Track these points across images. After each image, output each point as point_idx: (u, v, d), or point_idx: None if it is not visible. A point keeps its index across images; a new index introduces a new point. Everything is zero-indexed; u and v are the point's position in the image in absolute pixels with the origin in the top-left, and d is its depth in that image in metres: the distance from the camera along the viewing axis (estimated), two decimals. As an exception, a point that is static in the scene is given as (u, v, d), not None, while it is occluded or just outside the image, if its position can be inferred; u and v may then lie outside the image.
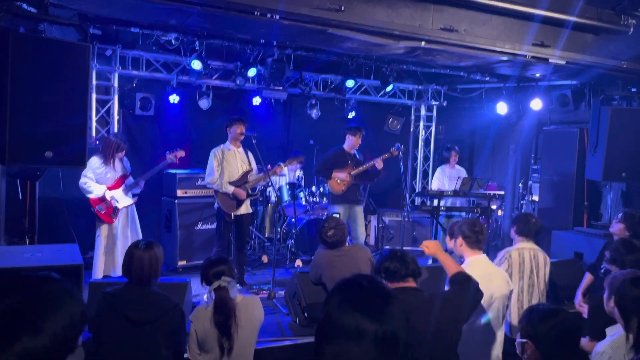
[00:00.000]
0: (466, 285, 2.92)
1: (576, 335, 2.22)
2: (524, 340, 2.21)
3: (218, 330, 3.04)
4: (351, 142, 6.73)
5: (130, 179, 5.77)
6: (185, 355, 3.20)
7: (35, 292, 1.16)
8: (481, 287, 3.06)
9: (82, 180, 5.45)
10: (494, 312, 3.42)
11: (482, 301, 3.24)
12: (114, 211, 5.59)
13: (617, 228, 4.61)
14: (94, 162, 5.50)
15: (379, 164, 6.63)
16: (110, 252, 5.62)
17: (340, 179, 6.62)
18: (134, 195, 5.80)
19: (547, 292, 4.39)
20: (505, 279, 3.56)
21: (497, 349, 3.50)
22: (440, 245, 3.34)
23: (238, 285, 3.25)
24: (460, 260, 3.66)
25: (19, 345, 1.06)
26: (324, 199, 7.41)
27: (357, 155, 6.82)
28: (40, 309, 1.12)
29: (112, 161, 5.61)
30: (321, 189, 7.48)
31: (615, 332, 2.66)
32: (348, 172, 6.64)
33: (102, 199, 5.52)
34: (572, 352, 2.19)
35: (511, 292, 3.63)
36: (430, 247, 3.28)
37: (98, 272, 5.52)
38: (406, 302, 2.59)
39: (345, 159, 6.74)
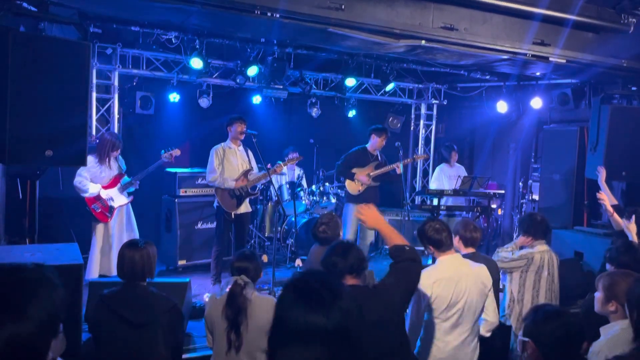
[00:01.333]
0: (397, 258, 2.75)
1: (578, 339, 2.19)
2: (526, 339, 2.21)
3: (228, 323, 3.06)
4: (376, 143, 6.66)
5: (126, 178, 5.76)
6: (186, 356, 3.22)
7: (15, 279, 1.17)
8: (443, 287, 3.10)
9: (77, 179, 5.44)
10: (457, 315, 3.27)
11: (444, 303, 3.21)
12: (110, 210, 5.58)
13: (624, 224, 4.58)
14: (89, 161, 5.47)
15: (398, 169, 6.57)
16: (107, 251, 5.61)
17: (362, 182, 6.56)
18: (129, 194, 5.79)
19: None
20: (478, 281, 3.37)
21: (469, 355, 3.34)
22: (378, 212, 2.99)
23: (255, 286, 3.25)
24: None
25: (5, 331, 1.08)
26: (324, 198, 7.41)
27: (380, 157, 6.78)
28: (23, 295, 1.13)
29: (107, 160, 5.60)
30: (321, 188, 7.48)
31: (610, 332, 2.67)
32: (368, 173, 6.58)
33: (98, 198, 5.52)
34: (573, 356, 2.18)
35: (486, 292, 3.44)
36: (369, 217, 2.92)
37: (93, 272, 5.52)
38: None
39: (367, 158, 6.69)
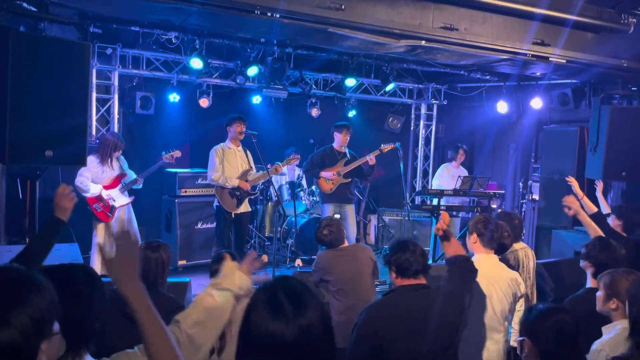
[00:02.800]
0: (462, 268, 2.79)
1: (574, 335, 2.22)
2: (523, 338, 2.24)
3: None
4: (339, 140, 6.71)
5: (128, 177, 5.76)
6: None
7: (8, 285, 1.14)
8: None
9: (78, 179, 5.44)
10: (488, 316, 3.28)
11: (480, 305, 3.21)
12: (111, 210, 5.58)
13: (613, 224, 4.62)
14: (91, 161, 5.49)
15: (371, 160, 6.56)
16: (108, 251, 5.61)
17: (327, 178, 6.60)
18: (130, 194, 5.79)
19: (546, 291, 4.39)
20: (512, 285, 3.38)
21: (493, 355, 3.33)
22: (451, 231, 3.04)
23: None
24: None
25: None
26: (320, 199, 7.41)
27: (348, 154, 6.79)
28: (5, 303, 1.10)
29: (109, 160, 5.60)
30: (321, 188, 7.49)
31: (612, 331, 2.67)
32: (336, 170, 6.61)
33: (99, 198, 5.52)
34: (570, 351, 2.20)
35: (519, 296, 3.46)
36: (446, 219, 2.92)
37: None
38: (414, 299, 2.57)
39: (334, 157, 6.71)
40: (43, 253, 2.52)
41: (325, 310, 1.43)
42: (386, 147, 6.69)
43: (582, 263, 3.49)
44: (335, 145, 6.77)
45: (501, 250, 3.77)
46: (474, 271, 2.85)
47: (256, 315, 1.36)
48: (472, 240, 3.51)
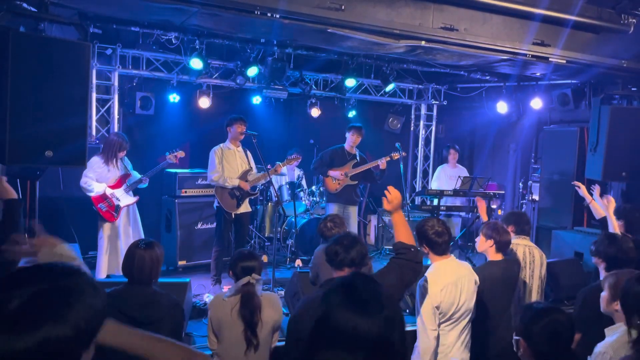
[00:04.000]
0: (401, 255, 2.81)
1: (567, 335, 2.24)
2: (518, 337, 2.27)
3: (245, 324, 3.09)
4: (350, 141, 6.72)
5: (133, 177, 5.77)
6: None
7: (62, 281, 1.15)
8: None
9: (83, 179, 5.45)
10: (457, 316, 3.25)
11: (450, 309, 3.18)
12: (116, 209, 5.59)
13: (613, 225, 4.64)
14: (95, 161, 5.50)
15: (382, 164, 6.60)
16: (114, 251, 5.62)
17: (335, 177, 6.61)
18: (135, 194, 5.80)
19: (546, 291, 4.40)
20: (472, 280, 3.34)
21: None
22: (401, 203, 3.05)
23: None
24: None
25: (42, 333, 1.06)
26: (324, 198, 7.41)
27: (358, 156, 6.80)
28: (66, 299, 1.12)
29: (114, 160, 5.61)
30: (321, 189, 7.48)
31: (615, 333, 2.67)
32: (344, 171, 6.62)
33: (104, 197, 5.52)
34: (563, 351, 2.22)
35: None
36: (394, 198, 2.97)
37: (102, 272, 5.52)
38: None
39: (344, 157, 6.73)
40: (20, 231, 2.58)
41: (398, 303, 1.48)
42: (396, 155, 6.71)
43: (594, 260, 3.61)
44: (346, 146, 6.78)
45: (505, 248, 3.83)
46: (416, 261, 2.83)
47: (338, 312, 1.37)
48: (489, 244, 3.62)
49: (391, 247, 7.94)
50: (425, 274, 3.21)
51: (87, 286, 1.18)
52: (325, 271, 4.19)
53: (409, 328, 4.53)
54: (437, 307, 3.13)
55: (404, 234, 2.90)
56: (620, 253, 3.45)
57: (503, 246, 3.78)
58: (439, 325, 3.17)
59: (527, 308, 2.36)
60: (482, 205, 4.99)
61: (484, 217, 4.79)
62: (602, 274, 3.50)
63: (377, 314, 1.36)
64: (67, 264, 1.23)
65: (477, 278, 3.36)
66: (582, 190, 5.04)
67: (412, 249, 2.84)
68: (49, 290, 1.11)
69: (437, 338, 3.15)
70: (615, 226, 4.53)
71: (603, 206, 4.79)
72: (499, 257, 3.78)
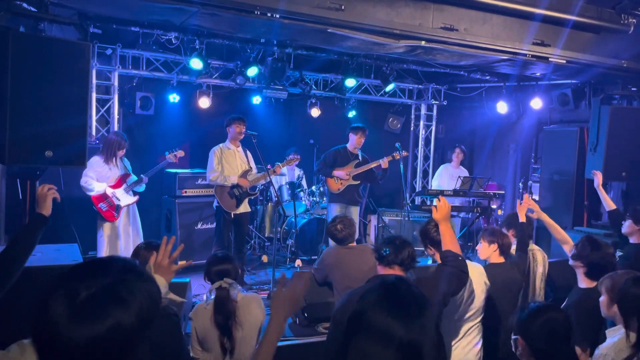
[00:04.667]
0: (451, 265, 2.85)
1: (565, 332, 2.25)
2: (516, 337, 2.31)
3: (218, 330, 3.01)
4: (353, 142, 6.73)
5: (133, 177, 5.77)
6: None
7: (123, 275, 1.23)
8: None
9: (83, 179, 5.46)
10: (468, 316, 3.29)
11: (462, 307, 3.21)
12: (117, 209, 5.59)
13: (627, 225, 4.54)
14: (95, 161, 5.51)
15: (384, 164, 6.61)
16: (113, 251, 5.62)
17: (339, 177, 6.62)
18: (135, 194, 5.80)
19: (546, 291, 4.39)
20: (481, 280, 3.36)
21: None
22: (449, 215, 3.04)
23: (239, 286, 3.22)
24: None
25: (110, 320, 1.14)
26: (324, 198, 7.41)
27: (361, 156, 6.81)
28: (129, 289, 1.20)
29: (114, 160, 5.61)
30: (321, 189, 7.49)
31: (616, 334, 2.67)
32: (347, 171, 6.63)
33: (104, 197, 5.53)
34: (561, 349, 2.24)
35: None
36: (444, 207, 2.95)
37: None
38: None
39: (347, 158, 6.74)
40: (27, 249, 2.54)
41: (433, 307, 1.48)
42: (397, 155, 6.73)
43: (572, 262, 3.51)
44: (349, 146, 6.79)
45: (507, 251, 3.83)
46: (462, 271, 2.88)
47: (374, 309, 1.40)
48: (493, 248, 3.60)
49: (414, 248, 7.97)
50: None
51: (144, 276, 1.27)
52: (336, 273, 4.20)
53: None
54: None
55: (450, 243, 2.94)
56: (604, 260, 3.37)
57: (506, 249, 3.79)
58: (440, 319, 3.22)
59: (524, 308, 2.39)
60: (533, 204, 4.64)
61: (522, 217, 4.52)
62: (581, 278, 3.44)
63: (412, 320, 1.38)
64: (122, 258, 1.31)
65: (487, 280, 3.37)
66: (598, 179, 5.09)
67: (460, 258, 2.89)
68: (114, 283, 1.19)
69: None
70: (606, 199, 4.66)
71: (604, 199, 4.84)
72: (501, 259, 3.79)
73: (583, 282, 3.42)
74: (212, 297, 3.08)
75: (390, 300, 1.42)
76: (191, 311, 3.21)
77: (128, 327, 1.17)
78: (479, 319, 3.30)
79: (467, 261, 3.30)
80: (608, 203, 4.92)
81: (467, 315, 3.25)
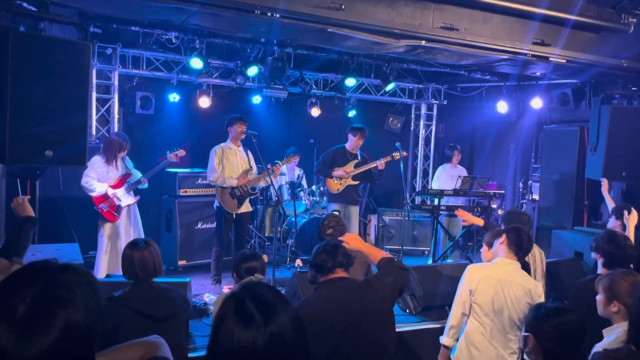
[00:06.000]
0: (388, 266, 2.98)
1: (578, 337, 2.24)
2: (527, 334, 2.28)
3: None
4: (352, 143, 6.74)
5: (133, 177, 5.76)
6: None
7: (59, 275, 1.19)
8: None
9: (84, 179, 5.45)
10: (499, 322, 3.27)
11: (486, 304, 3.24)
12: (117, 209, 5.59)
13: (613, 224, 4.68)
14: (96, 161, 5.50)
15: (380, 165, 6.62)
16: (114, 251, 5.61)
17: (339, 176, 6.63)
18: (135, 194, 5.80)
19: (546, 291, 4.39)
20: (528, 294, 3.31)
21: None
22: (358, 237, 3.31)
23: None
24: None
25: (59, 322, 1.10)
26: (324, 198, 7.41)
27: (360, 156, 6.82)
28: (68, 287, 1.16)
29: (114, 161, 5.61)
30: (321, 188, 7.48)
31: (612, 333, 2.67)
32: (346, 171, 6.64)
33: (105, 197, 5.52)
34: (572, 352, 2.22)
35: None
36: (350, 241, 3.17)
37: (101, 272, 5.52)
38: (335, 292, 2.77)
39: (346, 157, 6.75)
40: (22, 249, 2.63)
41: (297, 315, 1.42)
42: (397, 155, 6.73)
43: (593, 255, 3.69)
44: (347, 146, 6.80)
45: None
46: (403, 268, 3.02)
47: (226, 326, 1.34)
48: (500, 240, 3.51)
49: (391, 248, 7.99)
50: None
51: (76, 269, 1.22)
52: None
53: (407, 328, 4.53)
54: (471, 292, 3.28)
55: (378, 252, 3.13)
56: (618, 250, 3.51)
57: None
58: (466, 315, 3.32)
59: (539, 306, 2.37)
60: (464, 214, 4.95)
61: (478, 221, 4.77)
62: (600, 269, 3.59)
63: (262, 327, 1.32)
64: (45, 261, 1.25)
65: (535, 297, 3.30)
66: (604, 186, 5.17)
67: (395, 259, 3.05)
68: (48, 287, 1.14)
69: (461, 323, 3.32)
70: (612, 204, 4.65)
71: (609, 202, 4.87)
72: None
73: (600, 271, 3.56)
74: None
75: (238, 311, 1.35)
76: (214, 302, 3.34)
77: (80, 324, 1.13)
78: (513, 332, 3.32)
79: (519, 267, 3.43)
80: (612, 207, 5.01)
81: (499, 320, 3.29)
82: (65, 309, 1.12)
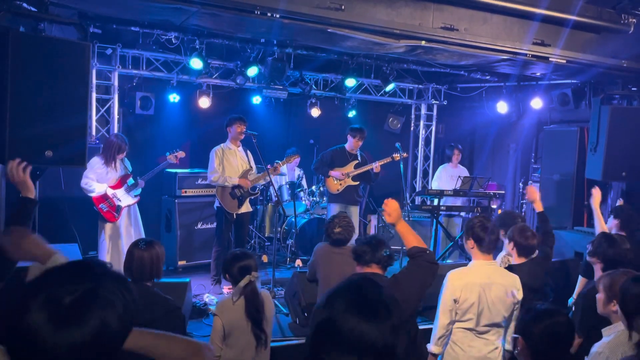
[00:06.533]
0: (418, 259, 2.93)
1: (567, 338, 2.25)
2: (517, 335, 2.30)
3: (252, 323, 3.15)
4: (351, 144, 6.75)
5: (131, 179, 5.77)
6: None
7: (103, 277, 1.23)
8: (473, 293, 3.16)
9: (83, 180, 5.45)
10: (483, 323, 3.26)
11: (471, 308, 3.22)
12: (117, 209, 5.59)
13: (612, 224, 4.65)
14: (95, 162, 5.50)
15: (376, 168, 6.64)
16: (115, 251, 5.62)
17: (336, 177, 6.63)
18: (135, 195, 5.80)
19: (546, 291, 4.39)
20: (509, 291, 3.32)
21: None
22: (401, 212, 3.08)
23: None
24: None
25: (96, 320, 1.14)
26: (324, 198, 7.41)
27: (360, 156, 6.81)
28: (110, 291, 1.20)
29: (113, 162, 5.61)
30: (321, 188, 7.49)
31: (611, 333, 2.67)
32: (346, 171, 6.64)
33: (105, 197, 5.52)
34: (561, 354, 2.24)
35: (516, 302, 3.36)
36: (391, 211, 2.99)
37: None
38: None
39: (345, 158, 6.75)
40: None
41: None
42: (397, 156, 6.74)
43: (590, 259, 3.62)
44: (347, 147, 6.80)
45: (528, 252, 3.77)
46: (433, 262, 2.97)
47: (343, 317, 1.32)
48: (469, 245, 3.37)
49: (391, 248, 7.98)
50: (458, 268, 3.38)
51: (121, 280, 1.27)
52: (322, 268, 4.21)
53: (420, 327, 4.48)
54: (456, 301, 3.21)
55: (413, 239, 3.00)
56: (619, 255, 3.49)
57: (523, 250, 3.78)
58: (453, 322, 3.25)
59: (529, 308, 2.37)
60: (533, 192, 4.54)
61: (538, 206, 4.43)
62: (598, 274, 3.51)
63: (384, 322, 1.31)
64: (98, 262, 1.31)
65: (517, 293, 3.32)
66: (594, 198, 4.89)
67: (427, 251, 2.96)
68: (98, 287, 1.19)
69: (448, 330, 3.26)
70: (600, 220, 4.54)
71: (597, 217, 4.78)
72: (522, 260, 3.77)
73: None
74: (239, 292, 3.18)
75: (358, 304, 1.34)
76: (215, 308, 3.33)
77: (112, 331, 1.16)
78: (497, 332, 3.33)
79: (496, 266, 3.44)
80: (600, 224, 4.76)
81: (484, 322, 3.27)
82: (104, 310, 1.16)
